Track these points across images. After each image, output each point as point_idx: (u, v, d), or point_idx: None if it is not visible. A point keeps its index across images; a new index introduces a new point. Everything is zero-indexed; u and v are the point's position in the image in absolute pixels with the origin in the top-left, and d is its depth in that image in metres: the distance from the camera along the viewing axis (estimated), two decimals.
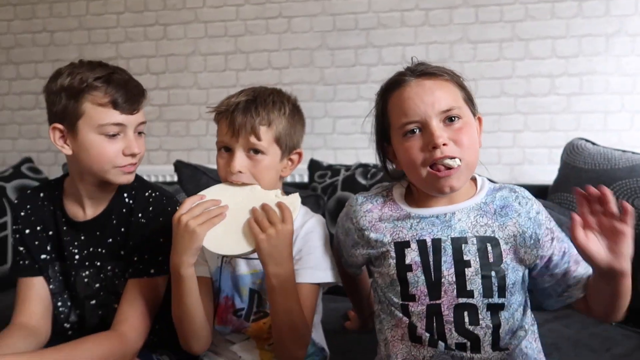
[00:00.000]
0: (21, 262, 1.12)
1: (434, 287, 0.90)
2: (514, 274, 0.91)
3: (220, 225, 0.95)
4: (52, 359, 0.92)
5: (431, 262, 0.91)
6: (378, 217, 0.98)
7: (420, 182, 0.93)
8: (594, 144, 1.67)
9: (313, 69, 2.22)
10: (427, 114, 0.89)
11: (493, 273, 0.89)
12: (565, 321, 1.33)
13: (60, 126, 1.04)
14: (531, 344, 0.94)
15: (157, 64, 2.33)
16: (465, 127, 0.90)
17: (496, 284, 0.89)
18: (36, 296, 1.10)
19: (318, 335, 1.12)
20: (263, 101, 1.01)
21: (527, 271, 0.95)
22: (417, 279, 0.91)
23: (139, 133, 1.09)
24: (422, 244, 0.92)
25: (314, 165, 1.87)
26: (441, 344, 0.89)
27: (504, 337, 0.90)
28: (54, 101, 1.03)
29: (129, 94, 1.04)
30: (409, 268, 0.92)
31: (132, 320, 1.02)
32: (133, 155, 1.05)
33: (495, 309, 0.90)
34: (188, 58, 2.32)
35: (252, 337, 1.06)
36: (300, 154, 1.09)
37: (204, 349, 1.03)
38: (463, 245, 0.90)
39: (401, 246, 0.93)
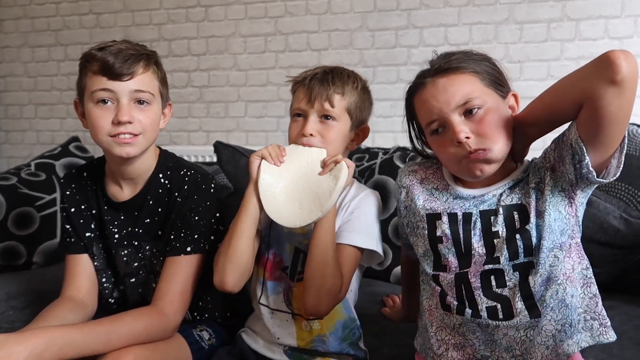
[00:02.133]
0: (68, 239, 1.17)
1: (464, 258, 0.93)
2: (542, 228, 0.89)
3: (282, 194, 1.01)
4: (92, 332, 0.94)
5: (461, 235, 0.94)
6: (420, 179, 1.02)
7: (455, 171, 0.97)
8: None
9: (352, 51, 2.19)
10: (443, 111, 0.91)
11: (518, 236, 0.90)
12: (609, 312, 1.29)
13: (76, 101, 1.10)
14: (577, 290, 0.90)
15: (198, 45, 2.36)
16: (488, 115, 0.90)
17: (522, 246, 0.89)
18: (83, 272, 1.15)
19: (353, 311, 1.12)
20: (339, 73, 1.10)
21: (573, 203, 0.91)
22: (448, 251, 0.94)
23: (140, 102, 1.05)
24: (452, 216, 0.95)
25: None
26: (468, 312, 0.90)
27: (537, 288, 0.88)
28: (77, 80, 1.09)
29: (118, 60, 1.01)
30: (440, 240, 0.95)
31: (171, 296, 1.05)
32: (121, 123, 1.02)
33: (522, 268, 0.90)
34: (228, 40, 2.33)
35: (295, 310, 1.08)
36: (366, 130, 1.16)
37: (236, 284, 1.02)
38: (492, 217, 0.92)
39: (433, 218, 0.97)
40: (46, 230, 1.65)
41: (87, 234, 1.16)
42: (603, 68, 0.76)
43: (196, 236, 1.10)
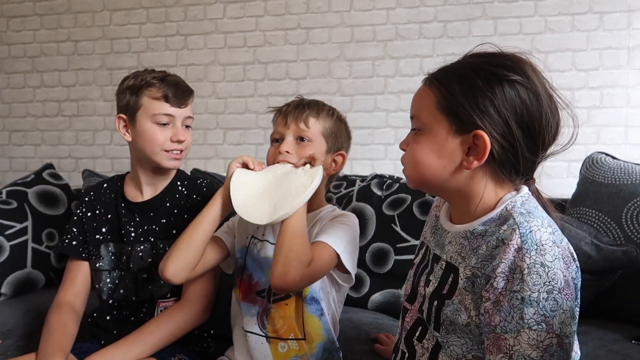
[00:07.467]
0: (72, 241, 1.29)
1: (414, 290, 0.88)
2: (456, 314, 0.76)
3: (253, 194, 1.04)
4: (137, 347, 1.10)
5: (421, 268, 0.88)
6: (436, 206, 0.94)
7: None
8: (614, 158, 1.64)
9: (331, 80, 2.23)
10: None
11: (435, 302, 0.78)
12: (582, 338, 1.31)
13: (124, 116, 1.24)
14: None
15: (176, 73, 2.35)
16: (418, 139, 0.79)
17: (433, 314, 0.78)
18: (82, 279, 1.27)
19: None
20: (315, 103, 1.17)
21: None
22: (410, 278, 0.92)
23: (186, 126, 1.27)
24: (427, 250, 0.89)
25: None
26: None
27: None
28: (121, 98, 1.25)
29: (178, 91, 1.24)
30: (412, 265, 0.93)
31: (196, 285, 1.19)
32: (179, 141, 1.23)
33: (437, 342, 0.79)
34: (207, 68, 2.35)
35: (270, 333, 1.08)
36: (343, 157, 1.20)
37: (175, 274, 1.05)
38: (435, 264, 0.83)
39: (420, 245, 0.95)
40: (16, 260, 1.60)
41: (97, 236, 1.28)
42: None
43: None
